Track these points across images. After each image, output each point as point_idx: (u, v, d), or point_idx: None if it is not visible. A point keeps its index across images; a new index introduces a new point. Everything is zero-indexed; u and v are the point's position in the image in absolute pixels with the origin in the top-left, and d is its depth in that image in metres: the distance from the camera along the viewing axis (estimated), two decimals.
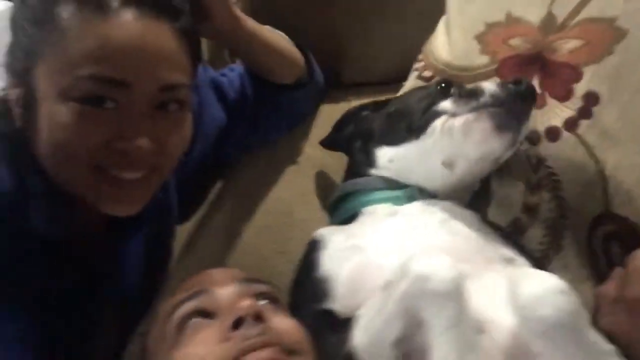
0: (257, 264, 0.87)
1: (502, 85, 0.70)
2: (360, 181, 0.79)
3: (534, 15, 0.85)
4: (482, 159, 0.71)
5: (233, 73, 0.98)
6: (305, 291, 0.68)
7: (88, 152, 0.64)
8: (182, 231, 0.95)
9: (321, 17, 1.10)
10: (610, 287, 0.62)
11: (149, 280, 0.87)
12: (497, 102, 0.69)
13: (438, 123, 0.71)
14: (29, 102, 0.66)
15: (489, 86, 0.71)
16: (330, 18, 1.10)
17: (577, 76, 0.77)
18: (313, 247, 0.71)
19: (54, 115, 0.63)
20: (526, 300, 0.52)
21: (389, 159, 0.77)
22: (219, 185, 0.99)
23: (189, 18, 0.70)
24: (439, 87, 0.76)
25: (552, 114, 0.78)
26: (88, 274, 0.76)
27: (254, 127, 0.98)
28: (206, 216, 0.95)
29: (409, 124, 0.75)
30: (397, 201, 0.73)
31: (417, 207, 0.72)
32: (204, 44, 1.24)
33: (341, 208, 0.80)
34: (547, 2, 0.84)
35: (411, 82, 1.00)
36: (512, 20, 0.87)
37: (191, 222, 0.96)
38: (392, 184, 0.75)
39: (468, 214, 0.73)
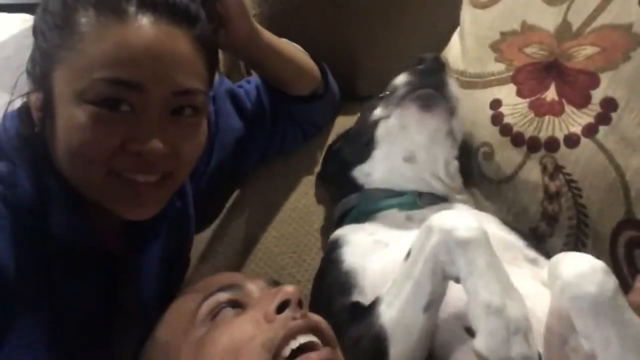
0: (275, 272, 0.87)
1: (410, 71, 0.74)
2: (353, 196, 0.80)
3: (549, 23, 0.85)
4: (433, 139, 0.74)
5: (249, 85, 0.99)
6: (330, 288, 0.68)
7: (103, 155, 0.65)
8: (199, 240, 0.95)
9: (336, 30, 1.11)
10: (634, 296, 0.61)
11: (166, 289, 0.87)
12: (412, 87, 0.73)
13: (380, 130, 0.76)
14: (48, 106, 0.67)
15: (400, 78, 0.75)
16: (345, 31, 1.11)
17: (595, 83, 0.77)
18: (334, 246, 0.72)
19: (71, 118, 0.64)
20: (570, 278, 0.51)
21: (365, 174, 0.80)
22: (235, 195, 0.99)
23: (206, 26, 0.71)
24: (379, 97, 0.80)
25: (571, 120, 0.77)
26: (106, 282, 0.76)
27: (270, 138, 0.99)
28: (223, 226, 0.95)
29: (364, 140, 0.79)
30: (402, 207, 0.74)
31: (433, 211, 0.71)
32: (221, 57, 1.27)
33: (347, 219, 0.79)
34: (562, 10, 0.84)
35: None
36: (527, 29, 0.87)
37: (208, 232, 0.96)
38: (388, 193, 0.76)
39: (485, 216, 0.73)
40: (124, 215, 0.71)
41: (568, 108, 0.78)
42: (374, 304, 0.58)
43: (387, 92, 0.77)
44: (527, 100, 0.81)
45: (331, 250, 0.71)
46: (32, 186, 0.69)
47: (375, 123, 0.76)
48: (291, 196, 0.96)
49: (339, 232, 0.75)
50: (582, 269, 0.51)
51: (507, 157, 0.80)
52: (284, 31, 1.15)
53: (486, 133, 0.83)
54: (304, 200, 0.95)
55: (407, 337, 0.55)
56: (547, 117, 0.79)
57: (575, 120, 0.77)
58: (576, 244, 0.74)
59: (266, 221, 0.93)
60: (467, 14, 0.99)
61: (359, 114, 0.89)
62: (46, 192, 0.69)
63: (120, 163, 0.66)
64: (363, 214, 0.77)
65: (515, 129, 0.81)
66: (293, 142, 1.01)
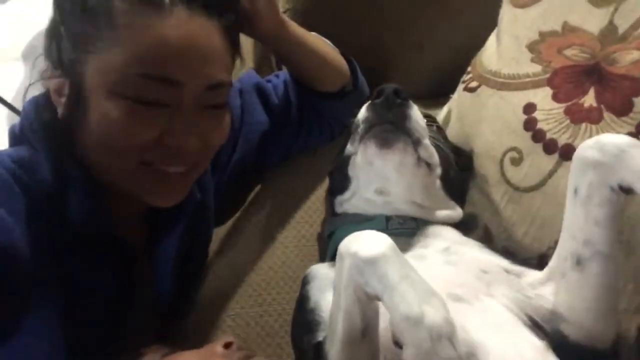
0: (294, 273, 0.86)
1: (369, 106, 0.72)
2: (333, 220, 0.81)
3: (593, 25, 0.80)
4: (400, 172, 0.71)
5: (278, 79, 0.98)
6: (298, 325, 0.68)
7: (138, 148, 0.66)
8: (217, 233, 0.95)
9: (368, 27, 1.09)
10: None
11: (182, 282, 0.87)
12: (369, 124, 0.71)
13: (351, 167, 0.75)
14: (76, 95, 0.67)
15: (360, 114, 0.73)
16: (376, 28, 1.09)
17: (638, 89, 0.71)
18: (304, 282, 0.71)
19: (105, 111, 0.65)
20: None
21: (341, 203, 0.80)
22: (257, 190, 0.98)
23: (232, 16, 0.70)
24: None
25: (609, 129, 0.72)
26: (123, 271, 0.76)
27: (296, 134, 0.97)
28: (242, 220, 0.95)
29: (342, 173, 0.78)
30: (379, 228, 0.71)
31: (416, 240, 0.71)
32: (251, 50, 1.27)
33: (329, 248, 0.80)
34: (609, 12, 0.79)
35: (458, 94, 0.97)
36: (568, 30, 0.82)
37: (227, 225, 0.96)
38: (358, 217, 0.76)
39: (466, 240, 0.72)
40: (150, 202, 0.73)
41: (607, 115, 0.73)
42: (321, 343, 0.58)
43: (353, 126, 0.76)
44: (563, 105, 0.77)
45: (302, 286, 0.71)
46: (51, 172, 0.69)
47: (347, 159, 0.76)
48: (313, 195, 0.94)
49: (311, 268, 0.74)
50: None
51: (537, 164, 0.76)
52: (315, 27, 1.14)
53: (516, 138, 0.79)
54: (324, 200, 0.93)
55: None
56: (583, 125, 0.74)
57: (614, 129, 0.72)
58: None
59: (286, 220, 0.92)
60: (506, 12, 0.94)
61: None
62: (65, 178, 0.70)
63: (154, 155, 0.68)
64: (334, 245, 0.75)
65: (548, 135, 0.76)
66: (319, 138, 1.00)
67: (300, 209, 0.93)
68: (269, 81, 0.98)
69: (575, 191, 0.61)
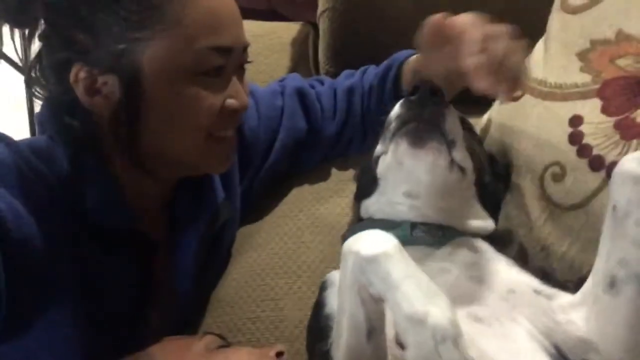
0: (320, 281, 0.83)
1: (403, 102, 0.70)
2: (357, 226, 0.77)
3: None
4: (432, 174, 0.67)
5: (322, 87, 0.96)
6: (312, 332, 0.66)
7: (208, 119, 0.69)
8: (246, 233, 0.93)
9: (407, 27, 1.05)
10: None
11: (203, 280, 0.86)
12: (403, 121, 0.68)
13: (380, 167, 0.72)
14: (133, 86, 0.66)
15: (393, 111, 0.70)
16: (417, 28, 1.05)
17: None
18: (321, 288, 0.69)
19: (176, 93, 0.67)
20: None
21: (367, 207, 0.76)
22: (292, 192, 0.96)
23: None
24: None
25: None
26: (141, 266, 0.76)
27: (334, 144, 0.95)
28: (264, 222, 0.93)
29: (370, 175, 0.76)
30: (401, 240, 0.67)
31: (440, 251, 0.68)
32: (288, 49, 1.25)
33: None
34: None
35: (499, 102, 0.92)
36: (623, 38, 0.77)
37: (246, 228, 0.94)
38: (384, 224, 0.71)
39: (496, 256, 0.68)
40: (216, 170, 0.79)
41: None
42: (329, 349, 0.57)
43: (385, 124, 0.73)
44: (614, 119, 0.71)
45: (319, 293, 0.68)
46: (68, 162, 0.69)
47: (377, 159, 0.73)
48: (342, 200, 0.91)
49: (329, 274, 0.71)
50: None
51: (581, 181, 0.71)
52: (355, 26, 1.12)
53: (560, 152, 0.74)
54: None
55: None
56: (635, 141, 0.68)
57: None
58: None
59: (313, 223, 0.90)
60: (556, 18, 0.89)
61: None
62: (82, 170, 0.70)
63: (219, 123, 0.70)
64: None
65: (595, 151, 0.71)
66: (359, 148, 0.96)
67: (329, 213, 0.90)
68: (312, 87, 0.96)
69: (614, 208, 0.57)
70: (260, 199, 0.94)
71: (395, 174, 0.70)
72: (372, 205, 0.75)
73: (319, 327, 0.63)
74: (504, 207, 0.81)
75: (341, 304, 0.54)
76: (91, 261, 0.70)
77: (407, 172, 0.69)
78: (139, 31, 0.65)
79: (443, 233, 0.69)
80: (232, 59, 0.70)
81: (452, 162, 0.68)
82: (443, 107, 0.68)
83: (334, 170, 0.96)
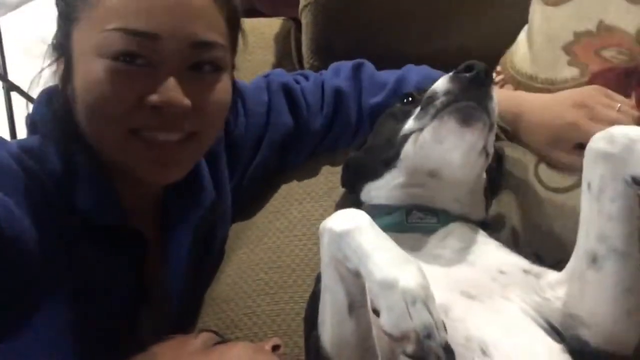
0: (315, 274, 0.83)
1: (454, 78, 0.66)
2: None
3: (630, 24, 0.78)
4: (467, 156, 0.67)
5: (307, 82, 0.95)
6: (308, 322, 0.66)
7: (121, 110, 0.64)
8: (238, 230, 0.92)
9: (391, 23, 1.06)
10: None
11: (196, 278, 0.84)
12: (453, 98, 0.65)
13: (409, 145, 0.68)
14: (69, 68, 0.66)
15: (441, 85, 0.66)
16: (399, 25, 1.07)
17: None
18: (317, 280, 0.68)
19: (88, 73, 0.64)
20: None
21: (368, 191, 0.75)
22: (281, 188, 0.95)
23: None
24: (404, 102, 0.75)
25: None
26: (134, 263, 0.74)
27: (322, 138, 0.95)
28: (258, 217, 0.92)
29: (384, 156, 0.72)
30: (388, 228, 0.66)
31: (433, 238, 0.68)
32: (272, 45, 1.24)
33: None
34: None
35: None
36: (604, 29, 0.80)
37: (240, 223, 0.93)
38: (381, 210, 0.71)
39: (485, 239, 0.69)
40: (147, 178, 0.70)
41: None
42: (316, 330, 0.58)
43: (424, 99, 0.69)
44: None
45: (315, 284, 0.68)
46: (60, 161, 0.68)
47: (405, 138, 0.69)
48: (335, 193, 0.91)
49: None
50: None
51: None
52: (338, 21, 1.12)
53: None
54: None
55: (345, 347, 0.55)
56: None
57: None
58: None
59: (306, 217, 0.89)
60: (537, 10, 0.92)
61: (380, 120, 0.82)
62: (74, 168, 0.68)
63: (140, 119, 0.65)
64: None
65: None
66: (347, 142, 0.96)
67: (321, 207, 0.90)
68: (297, 82, 0.95)
69: (589, 186, 0.58)
70: (250, 196, 0.93)
71: (427, 153, 0.67)
72: (377, 190, 0.74)
73: (314, 317, 0.63)
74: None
75: (323, 282, 0.56)
76: (84, 259, 0.69)
77: (443, 151, 0.66)
78: (70, 14, 0.65)
79: (437, 219, 0.70)
80: (164, 50, 0.63)
81: (485, 147, 0.67)
82: (492, 89, 0.66)
83: (323, 166, 0.95)
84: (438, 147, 0.66)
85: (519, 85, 0.87)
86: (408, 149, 0.68)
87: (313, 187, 0.93)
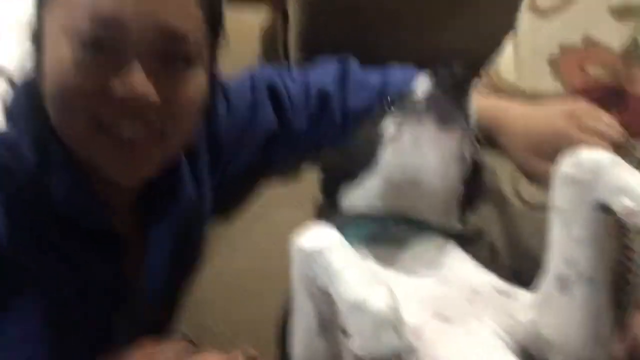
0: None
1: (434, 82, 0.65)
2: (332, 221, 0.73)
3: (616, 40, 0.77)
4: (445, 161, 0.66)
5: (294, 84, 0.93)
6: (284, 333, 0.64)
7: (86, 100, 0.62)
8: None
9: (364, 34, 1.05)
10: None
11: (174, 279, 0.84)
12: (433, 103, 0.64)
13: (387, 150, 0.67)
14: (38, 54, 0.64)
15: (421, 89, 0.66)
16: (389, 27, 1.05)
17: None
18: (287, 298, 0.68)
19: (56, 60, 0.62)
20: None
21: (349, 199, 0.73)
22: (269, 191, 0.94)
23: None
24: (386, 106, 0.72)
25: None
26: (111, 263, 0.74)
27: (307, 138, 0.93)
28: (242, 221, 0.91)
29: (363, 162, 0.70)
30: (373, 238, 0.67)
31: (409, 252, 0.67)
32: (257, 40, 1.22)
33: None
34: (631, 27, 0.77)
35: None
36: (590, 45, 0.80)
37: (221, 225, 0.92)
38: (360, 220, 0.70)
39: (460, 256, 0.68)
40: (115, 176, 0.68)
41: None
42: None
43: (404, 104, 0.69)
44: None
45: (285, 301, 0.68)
46: (34, 154, 0.66)
47: (383, 143, 0.68)
48: None
49: None
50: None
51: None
52: (326, 16, 1.10)
53: None
54: None
55: None
56: None
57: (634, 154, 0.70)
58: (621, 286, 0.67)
59: (293, 226, 0.87)
60: (525, 19, 0.91)
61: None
62: (48, 162, 0.66)
63: (106, 112, 0.62)
64: None
65: None
66: (331, 144, 0.93)
67: (303, 212, 0.87)
68: (285, 84, 0.93)
69: (557, 210, 0.58)
70: (232, 197, 0.92)
71: (406, 159, 0.66)
72: (355, 197, 0.72)
73: (285, 335, 0.63)
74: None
75: (294, 302, 0.56)
76: (58, 256, 0.68)
77: (422, 155, 0.65)
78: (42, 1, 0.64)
79: (415, 232, 0.69)
80: (131, 38, 0.61)
81: (462, 151, 0.66)
82: (470, 94, 0.66)
83: (306, 171, 0.93)
84: (417, 151, 0.65)
85: (502, 93, 0.87)
86: (387, 154, 0.67)
87: (296, 192, 0.92)
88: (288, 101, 0.91)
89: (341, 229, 0.63)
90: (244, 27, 1.20)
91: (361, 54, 0.96)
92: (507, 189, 0.79)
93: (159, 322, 0.82)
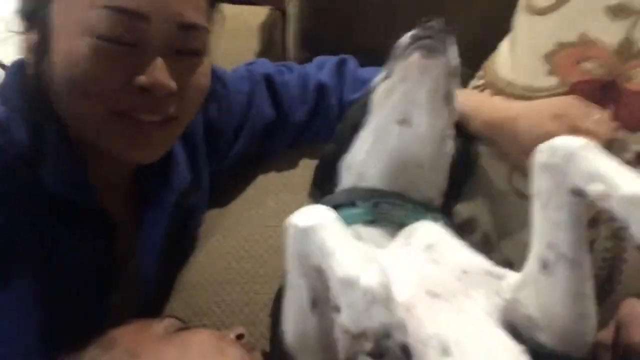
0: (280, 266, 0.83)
1: (419, 26, 0.70)
2: (326, 199, 0.74)
3: (611, 38, 0.79)
4: (431, 96, 0.68)
5: (291, 74, 0.94)
6: (275, 317, 0.66)
7: (108, 92, 0.62)
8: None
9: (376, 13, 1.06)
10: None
11: (169, 264, 0.83)
12: (417, 38, 0.69)
13: (378, 92, 0.71)
14: (44, 42, 0.64)
15: (405, 36, 0.71)
16: (392, 20, 1.06)
17: None
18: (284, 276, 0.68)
19: (73, 51, 0.61)
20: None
21: (346, 166, 0.74)
22: (258, 178, 0.94)
23: None
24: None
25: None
26: (105, 246, 0.73)
27: (301, 131, 0.94)
28: (232, 205, 0.91)
29: (353, 121, 0.73)
30: (365, 217, 0.68)
31: (401, 233, 0.68)
32: (256, 34, 1.23)
33: None
34: (626, 26, 0.78)
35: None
36: (586, 41, 0.81)
37: (213, 210, 0.92)
38: (352, 194, 0.71)
39: (450, 239, 0.69)
40: (126, 157, 0.69)
41: (623, 134, 0.72)
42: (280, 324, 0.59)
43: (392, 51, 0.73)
44: None
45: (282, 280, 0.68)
46: (27, 134, 0.66)
47: (373, 89, 0.72)
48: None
49: None
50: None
51: None
52: (325, 13, 1.10)
53: None
54: None
55: (307, 342, 0.55)
56: None
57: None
58: (610, 276, 0.68)
59: (281, 208, 0.88)
60: (521, 20, 0.93)
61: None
62: (42, 142, 0.66)
63: (126, 102, 0.64)
64: None
65: None
66: (327, 136, 0.95)
67: (297, 198, 0.89)
68: (281, 73, 0.95)
69: (536, 195, 0.59)
70: (226, 183, 0.92)
71: (395, 97, 0.69)
72: (347, 168, 0.73)
73: (279, 311, 0.63)
74: (470, 194, 0.83)
75: (288, 278, 0.56)
76: (52, 237, 0.67)
77: (408, 89, 0.68)
78: None
79: (406, 213, 0.70)
80: (151, 31, 0.62)
81: (448, 94, 0.69)
82: (452, 37, 0.70)
83: (301, 158, 0.95)
84: (404, 86, 0.68)
85: (498, 91, 0.88)
86: (376, 95, 0.70)
87: (290, 178, 0.93)
88: (286, 93, 0.92)
89: (335, 208, 0.63)
90: (244, 22, 1.22)
91: (359, 54, 0.97)
92: (500, 180, 0.80)
93: (151, 304, 0.82)
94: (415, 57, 0.68)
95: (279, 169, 0.95)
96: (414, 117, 0.69)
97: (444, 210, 0.74)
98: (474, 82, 0.95)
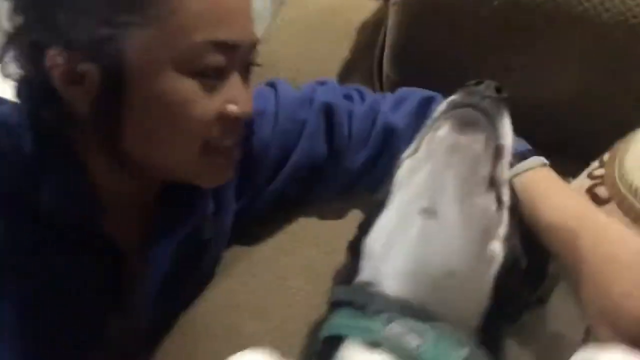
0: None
1: (460, 90, 0.58)
2: (342, 289, 0.63)
3: None
4: (462, 180, 0.53)
5: (361, 105, 0.80)
6: None
7: (204, 126, 0.62)
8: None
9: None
10: None
11: (176, 297, 0.78)
12: (453, 105, 0.57)
13: (402, 169, 0.58)
14: (114, 79, 0.59)
15: (443, 102, 0.59)
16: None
17: None
18: None
19: (166, 91, 0.59)
20: None
21: (367, 252, 0.60)
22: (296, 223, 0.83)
23: None
24: None
25: None
26: (106, 275, 0.71)
27: (360, 176, 0.80)
28: (250, 253, 0.82)
29: (375, 201, 0.61)
30: (369, 336, 0.53)
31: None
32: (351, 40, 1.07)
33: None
34: None
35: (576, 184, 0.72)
36: None
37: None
38: (363, 297, 0.56)
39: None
40: (210, 184, 0.71)
41: None
42: None
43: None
44: None
45: None
46: (33, 147, 0.64)
47: (400, 163, 0.59)
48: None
49: None
50: None
51: None
52: (425, 31, 0.94)
53: None
54: None
55: None
56: None
57: None
58: None
59: (310, 269, 0.77)
60: None
61: None
62: (45, 156, 0.64)
63: (216, 132, 0.63)
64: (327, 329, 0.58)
65: None
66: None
67: (325, 259, 0.76)
68: (349, 98, 0.80)
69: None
70: (257, 223, 0.82)
71: (419, 177, 0.55)
72: (373, 247, 0.59)
73: None
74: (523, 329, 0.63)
75: None
76: (50, 260, 0.66)
77: (435, 170, 0.54)
78: (128, 15, 0.57)
79: (422, 340, 0.52)
80: (237, 57, 0.62)
81: (493, 180, 0.54)
82: (504, 107, 0.57)
83: (351, 210, 0.80)
84: (429, 166, 0.54)
85: (619, 198, 0.64)
86: (400, 173, 0.58)
87: (330, 233, 0.80)
88: (347, 128, 0.78)
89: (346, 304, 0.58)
90: (339, 21, 1.06)
91: (447, 81, 0.79)
92: (571, 332, 0.59)
93: (152, 335, 0.77)
94: (445, 130, 0.54)
95: (321, 218, 0.82)
96: (439, 207, 0.54)
97: (484, 334, 0.56)
98: (591, 169, 0.71)
